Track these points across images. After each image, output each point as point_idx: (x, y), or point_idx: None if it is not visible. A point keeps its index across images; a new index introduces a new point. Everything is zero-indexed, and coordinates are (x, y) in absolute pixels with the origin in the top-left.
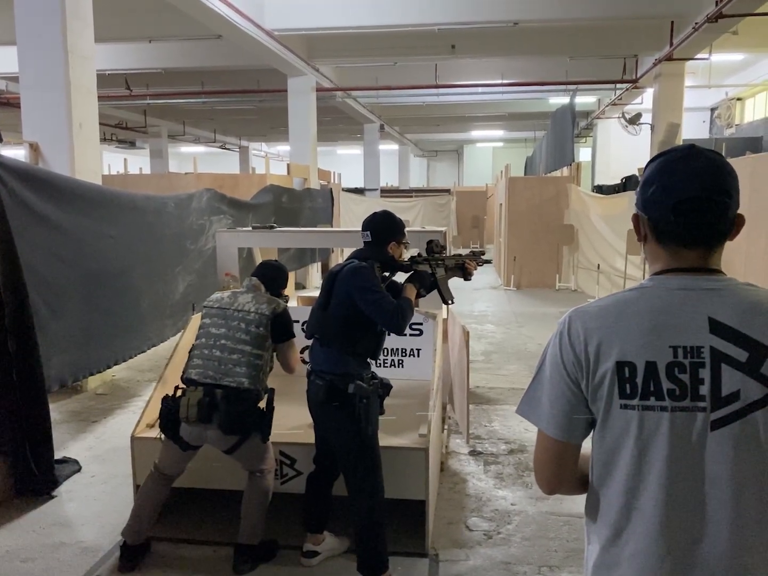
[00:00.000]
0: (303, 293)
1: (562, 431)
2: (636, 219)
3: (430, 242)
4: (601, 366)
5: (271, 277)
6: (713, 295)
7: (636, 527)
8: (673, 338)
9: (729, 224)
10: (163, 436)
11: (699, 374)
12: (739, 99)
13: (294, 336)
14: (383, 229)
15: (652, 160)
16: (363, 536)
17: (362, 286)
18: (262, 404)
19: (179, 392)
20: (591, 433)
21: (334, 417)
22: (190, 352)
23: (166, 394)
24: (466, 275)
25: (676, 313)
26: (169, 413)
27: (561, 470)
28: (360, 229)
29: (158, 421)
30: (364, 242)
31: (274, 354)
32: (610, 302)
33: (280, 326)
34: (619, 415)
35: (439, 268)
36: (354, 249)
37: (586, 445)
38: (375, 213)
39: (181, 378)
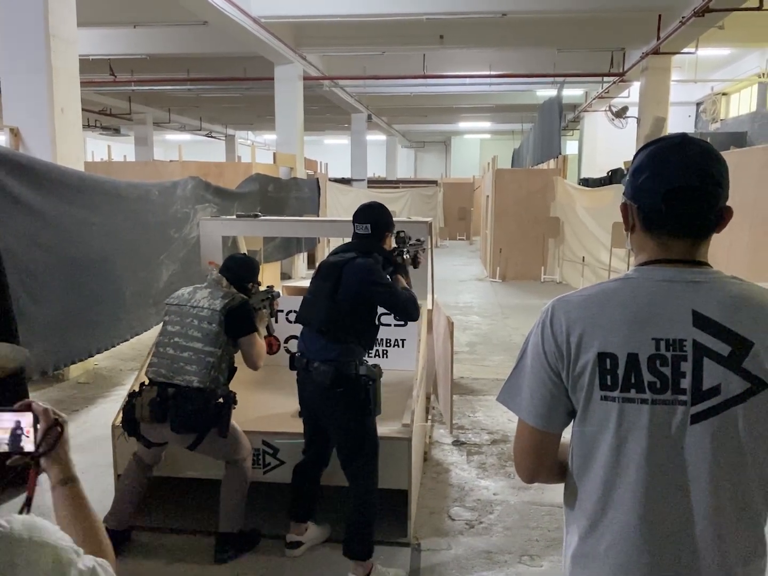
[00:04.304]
0: (289, 283)
1: (542, 420)
2: (625, 208)
3: (399, 233)
4: (582, 356)
5: (235, 270)
6: (698, 287)
7: (614, 519)
8: (655, 330)
9: (718, 215)
10: (126, 434)
11: (681, 367)
12: (724, 94)
13: (255, 330)
14: (383, 222)
15: (642, 148)
16: (354, 520)
17: (377, 282)
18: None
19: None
20: (571, 423)
21: (339, 402)
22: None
23: (133, 390)
24: (417, 264)
25: (660, 305)
26: (128, 412)
27: (540, 459)
28: (351, 219)
29: (120, 418)
30: (362, 235)
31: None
32: (594, 292)
33: (235, 321)
34: (599, 407)
35: (407, 258)
36: (347, 240)
37: (566, 434)
38: (369, 205)
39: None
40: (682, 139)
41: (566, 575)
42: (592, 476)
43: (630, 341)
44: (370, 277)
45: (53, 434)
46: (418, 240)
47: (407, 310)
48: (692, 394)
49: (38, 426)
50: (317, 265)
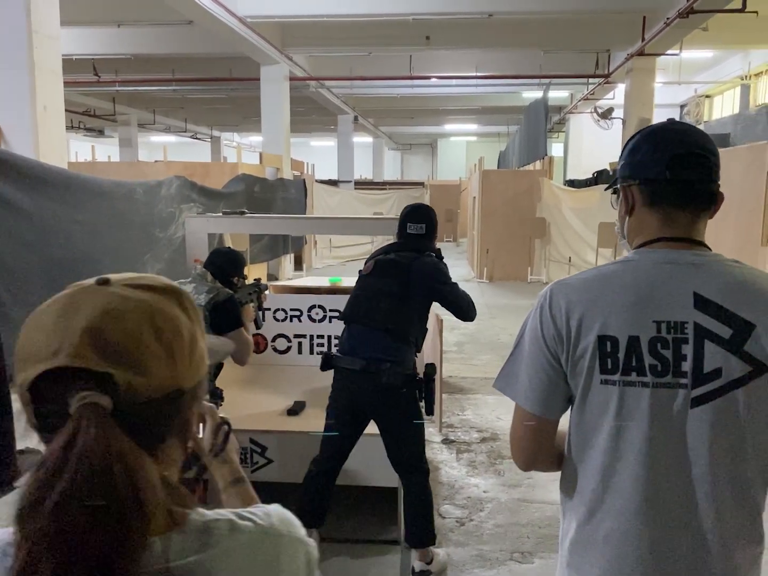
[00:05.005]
0: (276, 283)
1: (539, 406)
2: (624, 191)
3: None
4: (582, 340)
5: (219, 264)
6: (699, 269)
7: (613, 505)
8: (656, 313)
9: (716, 188)
10: None
11: (682, 350)
12: (707, 96)
13: (241, 325)
14: (435, 223)
15: (633, 135)
16: (415, 512)
17: (445, 281)
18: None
19: None
20: (569, 409)
21: (401, 402)
22: None
23: None
24: None
25: (661, 287)
26: None
27: (538, 446)
28: (400, 219)
29: None
30: (416, 235)
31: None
32: (594, 275)
33: (220, 316)
34: (599, 391)
35: None
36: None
37: (563, 421)
38: (421, 206)
39: None
40: (670, 119)
41: (564, 564)
42: (591, 462)
43: (631, 324)
44: (439, 276)
45: (222, 434)
46: None
47: (469, 310)
48: (693, 377)
49: (202, 426)
50: (368, 263)
